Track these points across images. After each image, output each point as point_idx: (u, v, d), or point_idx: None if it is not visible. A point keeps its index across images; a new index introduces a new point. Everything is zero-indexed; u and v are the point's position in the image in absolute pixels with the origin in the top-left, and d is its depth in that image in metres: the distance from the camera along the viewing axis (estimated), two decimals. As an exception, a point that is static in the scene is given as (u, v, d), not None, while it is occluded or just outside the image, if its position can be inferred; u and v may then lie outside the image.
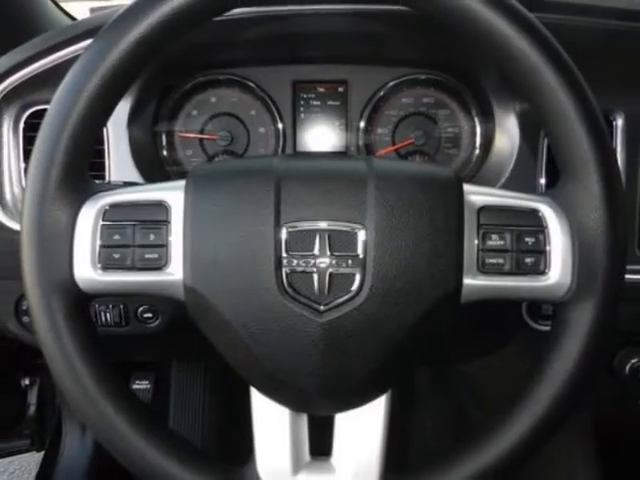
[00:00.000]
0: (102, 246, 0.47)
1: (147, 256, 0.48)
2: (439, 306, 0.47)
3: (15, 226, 0.74)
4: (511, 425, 0.48)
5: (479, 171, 0.81)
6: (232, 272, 0.46)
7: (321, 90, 0.83)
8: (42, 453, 1.24)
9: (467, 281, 0.47)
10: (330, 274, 0.45)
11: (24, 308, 0.77)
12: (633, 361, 0.77)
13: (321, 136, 0.84)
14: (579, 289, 0.47)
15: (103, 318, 0.77)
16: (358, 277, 0.46)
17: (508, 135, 0.76)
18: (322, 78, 0.82)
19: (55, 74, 0.73)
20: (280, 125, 0.83)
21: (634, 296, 0.68)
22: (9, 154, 0.76)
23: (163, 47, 0.47)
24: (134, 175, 0.75)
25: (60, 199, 0.46)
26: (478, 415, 1.23)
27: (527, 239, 0.48)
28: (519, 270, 0.48)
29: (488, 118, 0.80)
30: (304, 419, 0.52)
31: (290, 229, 0.46)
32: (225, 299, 0.46)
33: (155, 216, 0.48)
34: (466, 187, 0.48)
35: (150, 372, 1.26)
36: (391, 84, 0.82)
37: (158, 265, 0.48)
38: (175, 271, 0.47)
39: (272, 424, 0.51)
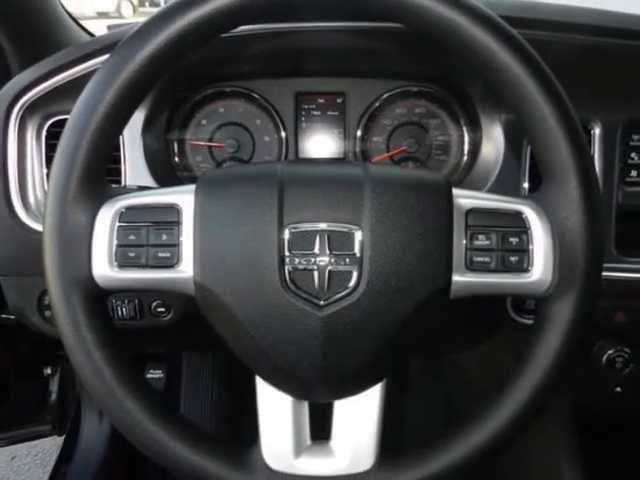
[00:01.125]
0: (118, 245, 0.47)
1: (160, 255, 0.48)
2: (430, 301, 0.47)
3: (38, 227, 0.74)
4: (497, 411, 0.48)
5: (467, 176, 0.81)
6: (239, 269, 0.46)
7: (321, 101, 0.83)
8: (63, 437, 1.24)
9: (456, 278, 0.47)
10: (329, 271, 0.45)
11: (46, 303, 0.77)
12: (609, 352, 0.77)
13: (321, 144, 0.84)
14: (560, 285, 0.47)
15: (119, 312, 0.77)
16: (355, 274, 0.46)
17: (494, 143, 0.76)
18: (322, 90, 0.82)
19: (75, 86, 0.73)
20: (283, 134, 0.83)
21: (611, 292, 0.68)
22: (32, 160, 0.76)
23: (175, 61, 0.47)
24: (148, 180, 0.75)
25: (80, 202, 0.46)
26: (466, 402, 1.23)
27: (511, 239, 0.48)
28: (504, 268, 0.48)
29: (475, 127, 0.79)
30: (305, 406, 0.52)
31: (292, 230, 0.46)
32: (232, 294, 0.46)
33: (167, 218, 0.48)
34: (455, 191, 0.48)
35: (163, 362, 1.26)
36: (386, 96, 0.82)
37: (170, 263, 0.48)
38: (186, 269, 0.47)
39: (275, 410, 0.51)
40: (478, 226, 0.48)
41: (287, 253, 0.46)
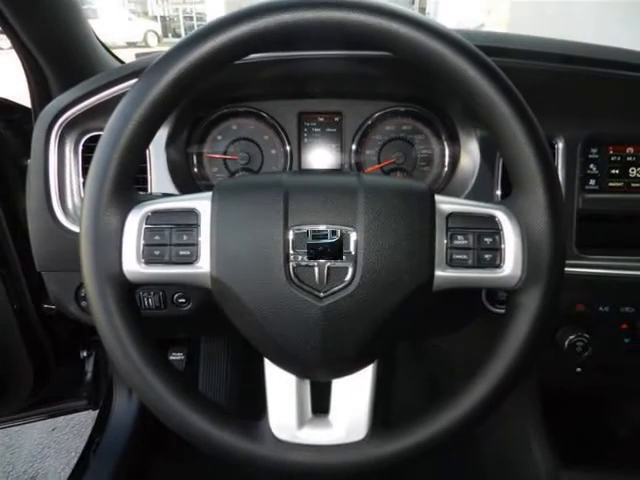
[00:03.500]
0: (145, 245, 0.47)
1: (181, 253, 0.48)
2: (416, 293, 0.47)
3: (75, 229, 0.74)
4: (474, 389, 0.48)
5: (448, 184, 0.81)
6: (249, 265, 0.46)
7: (321, 119, 0.83)
8: (97, 411, 1.24)
9: (438, 273, 0.47)
10: (328, 267, 0.46)
11: (82, 295, 0.77)
12: (571, 337, 0.76)
13: (321, 156, 0.84)
14: (528, 279, 0.47)
15: (146, 303, 0.77)
16: (350, 270, 0.46)
17: (471, 156, 0.76)
18: (322, 110, 0.82)
19: (107, 107, 0.73)
20: (288, 147, 0.83)
21: (572, 285, 0.68)
22: (70, 171, 0.76)
23: (194, 85, 0.47)
24: (170, 188, 0.75)
25: (111, 207, 0.46)
26: (448, 381, 1.23)
27: (486, 239, 0.48)
28: (479, 264, 0.48)
29: (455, 142, 0.79)
30: (307, 384, 0.52)
31: (296, 231, 0.46)
32: (244, 287, 0.46)
33: (188, 221, 0.48)
34: (437, 197, 0.48)
35: (184, 346, 1.26)
36: (377, 115, 0.82)
37: (190, 260, 0.48)
38: (203, 265, 0.47)
39: (281, 388, 0.51)
40: (457, 228, 0.48)
41: (291, 251, 0.46)
